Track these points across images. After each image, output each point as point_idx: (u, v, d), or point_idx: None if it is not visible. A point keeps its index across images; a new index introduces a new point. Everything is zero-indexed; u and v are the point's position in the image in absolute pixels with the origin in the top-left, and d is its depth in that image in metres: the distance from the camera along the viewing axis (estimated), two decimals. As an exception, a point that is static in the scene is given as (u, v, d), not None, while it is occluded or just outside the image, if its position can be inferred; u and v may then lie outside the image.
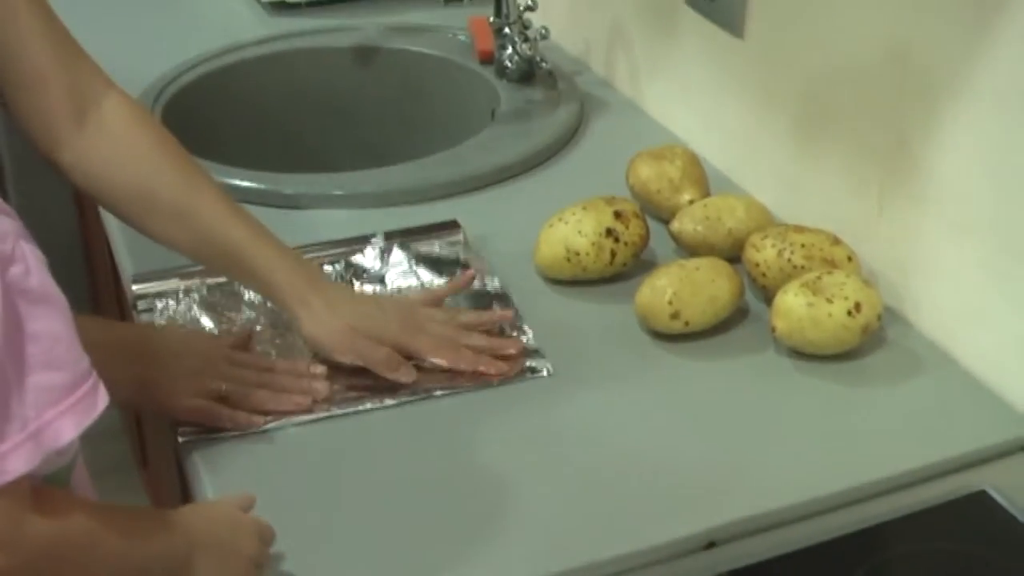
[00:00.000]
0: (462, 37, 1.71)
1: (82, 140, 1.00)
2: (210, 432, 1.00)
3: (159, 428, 1.21)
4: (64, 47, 1.00)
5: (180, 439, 1.00)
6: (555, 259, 1.18)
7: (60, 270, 0.73)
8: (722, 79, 1.37)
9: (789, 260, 1.13)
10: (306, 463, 0.99)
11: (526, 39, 1.56)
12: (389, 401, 1.04)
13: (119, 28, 1.75)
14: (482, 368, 1.07)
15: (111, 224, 1.26)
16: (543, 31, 1.56)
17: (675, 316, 1.10)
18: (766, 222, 1.22)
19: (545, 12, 1.57)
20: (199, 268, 1.15)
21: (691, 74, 1.43)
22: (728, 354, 1.11)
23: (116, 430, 2.16)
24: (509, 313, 1.14)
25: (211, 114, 1.61)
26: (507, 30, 1.56)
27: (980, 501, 0.95)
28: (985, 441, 1.00)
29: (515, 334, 1.12)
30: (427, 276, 1.20)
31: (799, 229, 1.16)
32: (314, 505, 0.94)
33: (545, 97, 1.55)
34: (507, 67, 1.59)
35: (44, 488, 0.71)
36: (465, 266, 1.20)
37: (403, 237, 1.23)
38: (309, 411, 1.02)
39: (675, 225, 1.22)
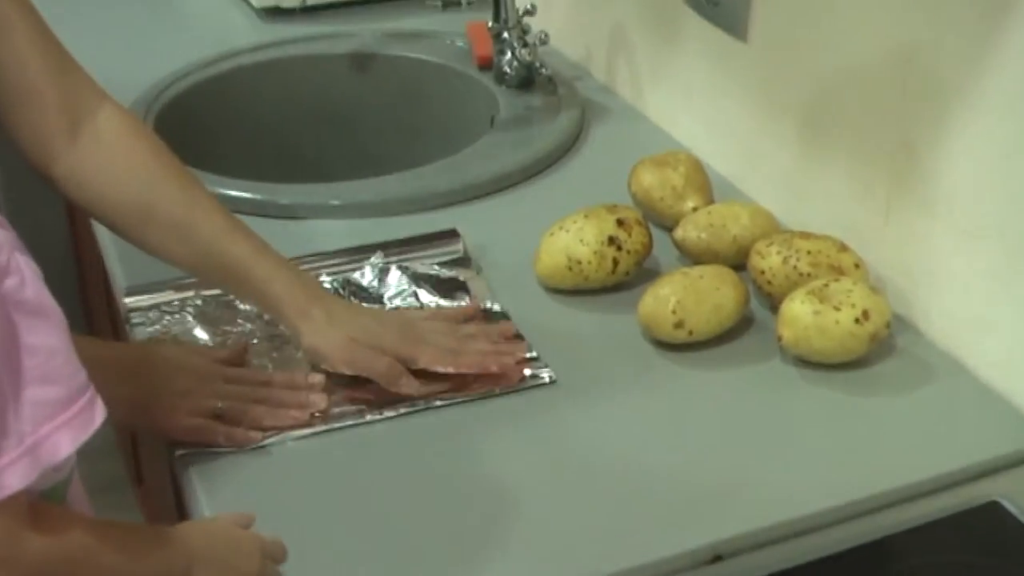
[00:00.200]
0: (460, 43, 1.70)
1: (76, 153, 1.00)
2: (207, 447, 0.99)
3: (155, 445, 1.20)
4: (57, 60, 0.99)
5: (177, 452, 0.99)
6: (556, 268, 1.17)
7: (52, 283, 0.72)
8: (725, 84, 1.36)
9: (795, 267, 1.12)
10: (305, 477, 0.98)
11: (525, 44, 1.55)
12: (389, 413, 1.03)
13: (111, 35, 1.75)
14: (488, 365, 1.05)
15: (103, 236, 1.25)
16: (543, 36, 1.55)
17: (679, 325, 1.08)
18: (771, 229, 1.21)
19: (544, 16, 1.57)
20: (194, 280, 1.14)
21: (694, 79, 1.42)
22: (733, 363, 1.10)
23: (110, 448, 2.15)
24: (511, 326, 1.13)
25: (205, 123, 1.61)
26: (506, 35, 1.55)
27: (992, 512, 0.94)
28: (996, 451, 0.99)
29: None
30: (428, 298, 1.17)
31: (805, 236, 1.15)
32: (314, 520, 0.93)
33: (545, 103, 1.54)
34: (506, 73, 1.57)
35: (41, 504, 0.71)
36: (465, 287, 1.18)
37: (401, 250, 1.22)
38: (308, 425, 1.01)
39: (679, 233, 1.21)
